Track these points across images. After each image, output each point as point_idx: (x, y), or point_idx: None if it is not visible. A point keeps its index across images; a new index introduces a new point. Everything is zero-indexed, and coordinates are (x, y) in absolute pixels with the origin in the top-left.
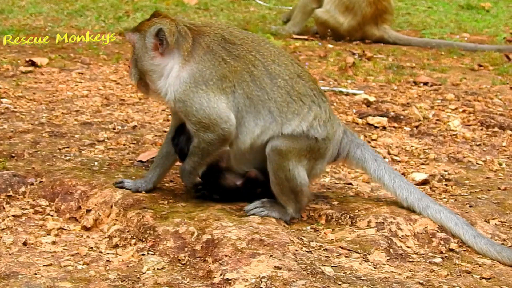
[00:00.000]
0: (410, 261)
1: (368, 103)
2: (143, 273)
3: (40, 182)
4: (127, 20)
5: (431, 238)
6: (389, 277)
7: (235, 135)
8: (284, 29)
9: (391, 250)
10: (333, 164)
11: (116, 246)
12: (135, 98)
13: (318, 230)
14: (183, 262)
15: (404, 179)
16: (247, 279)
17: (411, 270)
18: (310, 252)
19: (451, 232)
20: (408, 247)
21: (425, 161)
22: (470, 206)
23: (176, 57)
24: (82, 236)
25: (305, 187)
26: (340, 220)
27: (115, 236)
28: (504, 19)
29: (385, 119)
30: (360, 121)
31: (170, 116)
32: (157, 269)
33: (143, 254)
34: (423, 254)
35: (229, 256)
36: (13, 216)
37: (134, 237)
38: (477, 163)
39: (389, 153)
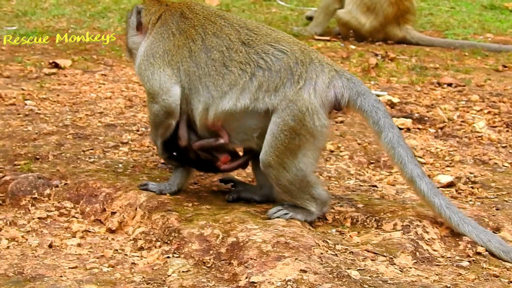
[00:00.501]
0: (437, 265)
1: (392, 105)
2: (168, 275)
3: (65, 184)
4: None
5: (457, 241)
6: (415, 281)
7: (186, 111)
8: (306, 30)
9: (417, 253)
10: (339, 112)
11: (141, 248)
12: None
13: (343, 233)
14: (208, 265)
15: (402, 141)
16: (272, 282)
17: (438, 274)
18: (336, 255)
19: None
20: (434, 250)
21: (450, 163)
22: (497, 209)
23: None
24: (107, 238)
25: (309, 177)
26: (365, 223)
27: (140, 239)
28: None
29: (410, 120)
30: None
31: None
32: (182, 271)
33: (168, 257)
34: (449, 257)
35: (254, 259)
36: (39, 218)
37: (159, 239)
38: (503, 165)
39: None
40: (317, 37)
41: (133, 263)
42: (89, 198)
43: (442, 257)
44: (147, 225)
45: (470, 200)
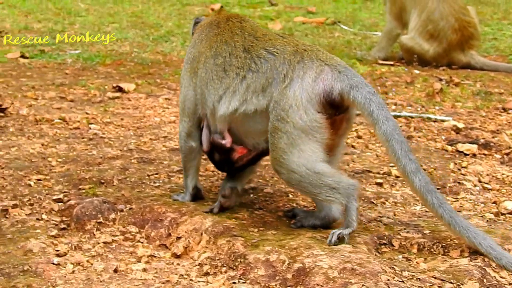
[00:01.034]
0: None
1: (457, 130)
2: None
3: (130, 208)
4: None
5: None
6: None
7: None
8: (370, 55)
9: (484, 280)
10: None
11: (207, 274)
12: None
13: (410, 259)
14: None
15: (395, 134)
16: None
17: None
18: (403, 281)
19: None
20: (502, 277)
21: None
22: None
23: None
24: (172, 263)
25: (317, 168)
26: (432, 249)
27: (206, 264)
28: None
29: (475, 146)
30: (449, 148)
31: None
32: None
33: (234, 282)
34: None
35: (321, 285)
36: (104, 242)
37: (225, 265)
38: None
39: (479, 181)
40: (380, 62)
41: None
42: (154, 223)
43: (510, 284)
44: (213, 250)
45: None
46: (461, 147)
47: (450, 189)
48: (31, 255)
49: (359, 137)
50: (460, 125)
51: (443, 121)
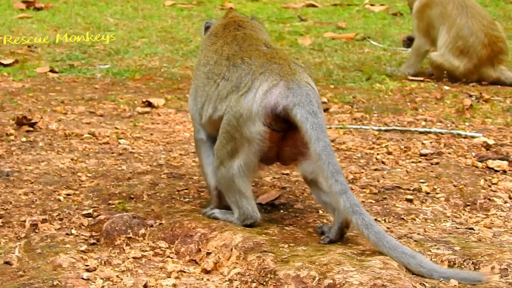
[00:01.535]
0: None
1: (488, 146)
2: None
3: (160, 224)
4: None
5: None
6: None
7: None
8: (400, 71)
9: None
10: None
11: None
12: None
13: None
14: None
15: (324, 155)
16: None
17: None
18: None
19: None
20: None
21: None
22: None
23: None
24: (202, 279)
25: (238, 183)
26: (462, 266)
27: (236, 280)
28: None
29: (505, 162)
30: (479, 164)
31: None
32: None
33: None
34: None
35: None
36: (133, 258)
37: (255, 280)
38: None
39: (510, 198)
40: (410, 78)
41: None
42: (184, 238)
43: None
44: (243, 266)
45: None
46: (491, 163)
47: (480, 206)
48: (60, 270)
49: (389, 153)
50: (490, 141)
51: (473, 137)
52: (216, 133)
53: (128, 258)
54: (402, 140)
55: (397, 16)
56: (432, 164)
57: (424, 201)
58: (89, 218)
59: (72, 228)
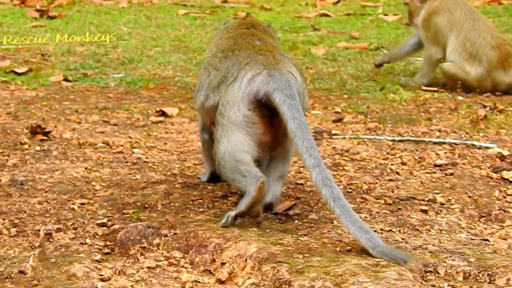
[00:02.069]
0: None
1: (502, 157)
2: None
3: (174, 233)
4: None
5: None
6: None
7: None
8: (413, 81)
9: None
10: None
11: None
12: None
13: (455, 287)
14: None
15: (299, 133)
16: None
17: None
18: None
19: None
20: None
21: None
22: None
23: None
24: None
25: (238, 156)
26: (478, 278)
27: None
28: None
29: None
30: (494, 175)
31: (302, 168)
32: None
33: None
34: None
35: None
36: (148, 267)
37: None
38: None
39: None
40: (424, 88)
41: None
42: (199, 248)
43: None
44: (257, 276)
45: None
46: (506, 174)
47: (495, 217)
48: (74, 279)
49: (403, 163)
50: (505, 152)
51: (487, 148)
52: (209, 121)
53: (143, 268)
54: (416, 150)
55: (410, 26)
56: (446, 174)
57: (439, 212)
58: (104, 228)
59: (86, 238)
